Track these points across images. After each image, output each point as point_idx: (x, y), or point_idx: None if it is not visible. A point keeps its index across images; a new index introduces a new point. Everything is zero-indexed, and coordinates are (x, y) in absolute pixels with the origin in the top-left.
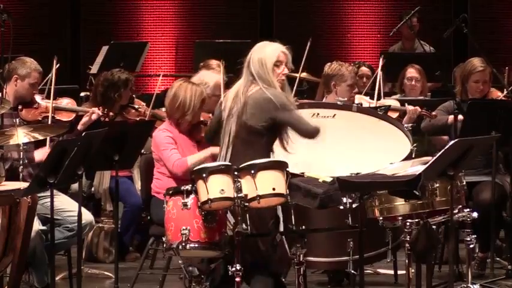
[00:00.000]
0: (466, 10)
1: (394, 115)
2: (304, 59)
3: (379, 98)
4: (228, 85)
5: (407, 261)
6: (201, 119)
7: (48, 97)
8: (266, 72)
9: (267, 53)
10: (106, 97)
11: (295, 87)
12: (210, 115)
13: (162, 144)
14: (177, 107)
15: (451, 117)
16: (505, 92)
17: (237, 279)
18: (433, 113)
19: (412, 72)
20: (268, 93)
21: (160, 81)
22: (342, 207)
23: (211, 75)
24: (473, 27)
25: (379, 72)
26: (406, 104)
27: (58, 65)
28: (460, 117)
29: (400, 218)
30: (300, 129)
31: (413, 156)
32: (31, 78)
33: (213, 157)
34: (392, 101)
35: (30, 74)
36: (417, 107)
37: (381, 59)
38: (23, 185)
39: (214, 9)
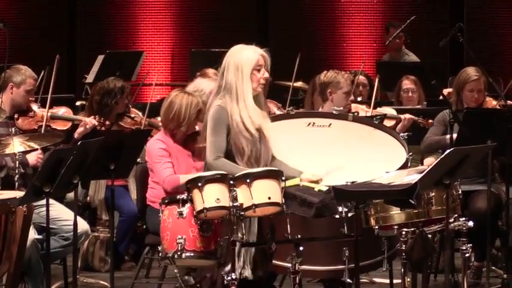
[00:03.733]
0: (462, 19)
1: (390, 123)
2: (296, 68)
3: (375, 107)
4: None
5: (402, 270)
6: (197, 129)
7: (44, 106)
8: (241, 78)
9: (245, 57)
10: (102, 105)
11: (289, 96)
12: None
13: (155, 156)
14: (171, 118)
15: (448, 137)
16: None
17: None
18: (430, 121)
19: (407, 83)
20: (216, 105)
21: (156, 91)
22: (337, 216)
23: (207, 83)
24: (469, 37)
25: (376, 81)
26: (402, 115)
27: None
28: (455, 135)
29: (395, 227)
30: (206, 151)
31: (409, 165)
32: (26, 85)
33: None
34: (389, 109)
35: (26, 80)
36: (411, 115)
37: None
38: (18, 194)
39: (210, 19)
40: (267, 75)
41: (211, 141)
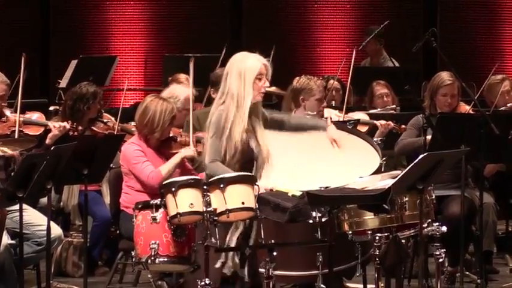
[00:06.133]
0: (436, 24)
1: (364, 129)
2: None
3: (347, 112)
4: (201, 99)
5: (376, 275)
6: (171, 134)
7: (17, 111)
8: (242, 86)
9: (249, 65)
10: (75, 110)
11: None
12: (181, 130)
13: (133, 158)
14: (146, 123)
15: (422, 139)
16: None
17: None
18: (402, 126)
19: (380, 89)
20: (218, 109)
21: (128, 95)
22: (311, 221)
23: (181, 89)
24: (442, 42)
25: (348, 86)
26: (376, 121)
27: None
28: (429, 137)
29: (369, 232)
30: (205, 156)
31: (382, 170)
32: None
33: (184, 162)
34: (362, 115)
35: None
36: (390, 122)
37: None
38: None
39: (183, 24)
40: (267, 84)
41: (210, 144)
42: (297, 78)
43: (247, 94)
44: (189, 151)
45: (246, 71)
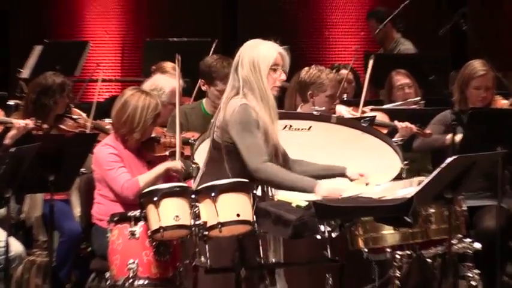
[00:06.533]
0: (465, 3)
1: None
2: None
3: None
4: (188, 92)
5: None
6: (153, 134)
7: None
8: (259, 77)
9: (262, 54)
10: (39, 105)
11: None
12: (164, 129)
13: (107, 163)
14: (124, 121)
15: (449, 137)
16: None
17: None
18: (427, 131)
19: (400, 79)
20: (240, 104)
21: (102, 87)
22: (319, 236)
23: (166, 79)
24: (474, 24)
25: (367, 77)
26: (396, 121)
27: None
28: (459, 136)
29: (388, 249)
30: (244, 157)
31: (403, 176)
32: None
33: (169, 174)
34: (379, 114)
35: None
36: (412, 126)
37: (370, 62)
38: None
39: (167, 3)
40: (284, 77)
41: (249, 145)
42: (306, 68)
43: (266, 84)
44: (176, 164)
45: (260, 60)
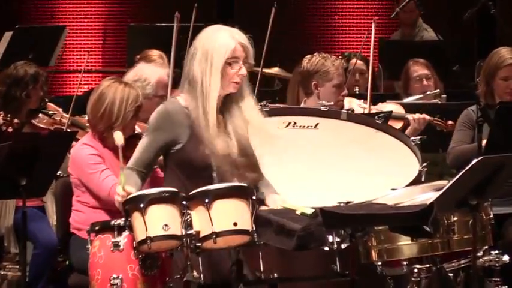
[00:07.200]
0: None
1: (398, 125)
2: (266, 47)
3: (375, 102)
4: (176, 83)
5: None
6: (138, 131)
7: None
8: (208, 72)
9: (218, 45)
10: (9, 99)
11: (256, 86)
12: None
13: (88, 165)
14: (101, 116)
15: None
16: None
17: None
18: (449, 122)
19: (418, 69)
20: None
21: (82, 80)
22: (326, 248)
23: (152, 69)
24: (503, 6)
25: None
26: (407, 114)
27: None
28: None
29: (405, 262)
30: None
31: (422, 179)
32: None
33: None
34: (394, 106)
35: None
36: (424, 115)
37: (373, 25)
38: None
39: None
40: (243, 71)
41: (142, 146)
42: (308, 56)
43: (214, 85)
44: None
45: (214, 52)
